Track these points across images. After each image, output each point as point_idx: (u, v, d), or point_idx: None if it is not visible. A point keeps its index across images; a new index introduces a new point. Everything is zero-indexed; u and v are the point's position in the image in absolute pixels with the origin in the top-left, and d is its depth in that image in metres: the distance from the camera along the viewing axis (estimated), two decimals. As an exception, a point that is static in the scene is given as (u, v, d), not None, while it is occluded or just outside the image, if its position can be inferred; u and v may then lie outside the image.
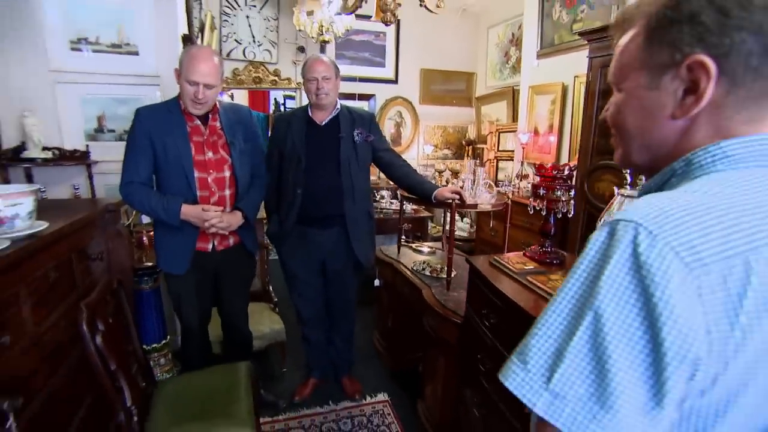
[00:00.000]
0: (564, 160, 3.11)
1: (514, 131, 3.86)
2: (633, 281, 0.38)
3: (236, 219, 1.71)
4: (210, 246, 1.74)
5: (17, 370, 1.07)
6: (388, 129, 4.76)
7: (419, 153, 4.84)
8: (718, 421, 0.39)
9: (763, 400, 0.38)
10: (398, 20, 4.39)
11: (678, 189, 0.45)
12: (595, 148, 2.09)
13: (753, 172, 0.43)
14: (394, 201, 3.67)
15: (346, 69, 4.41)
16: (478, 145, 4.79)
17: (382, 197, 3.79)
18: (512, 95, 4.16)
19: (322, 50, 4.01)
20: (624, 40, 0.52)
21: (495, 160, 4.33)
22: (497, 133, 4.28)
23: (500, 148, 4.28)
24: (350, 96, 4.45)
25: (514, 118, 4.07)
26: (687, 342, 0.36)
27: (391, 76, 4.66)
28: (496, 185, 3.81)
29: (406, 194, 2.05)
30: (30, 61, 2.12)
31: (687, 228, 0.38)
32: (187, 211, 1.61)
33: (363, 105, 4.56)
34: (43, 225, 1.21)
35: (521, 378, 0.42)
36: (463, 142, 4.97)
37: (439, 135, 4.99)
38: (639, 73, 0.50)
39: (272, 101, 6.35)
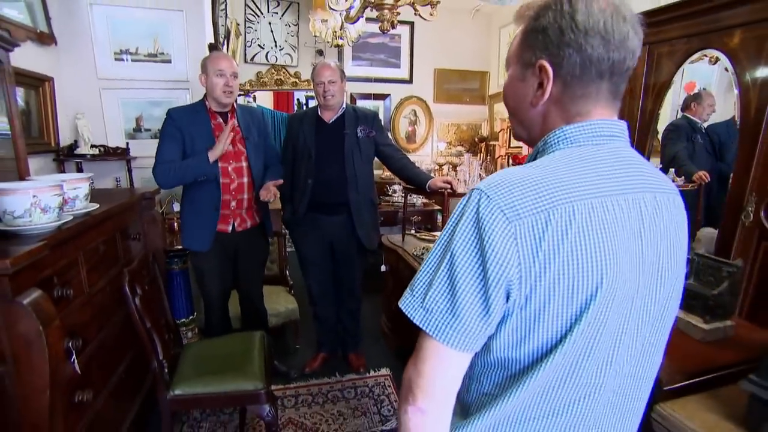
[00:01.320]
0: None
1: (523, 128, 3.98)
2: (474, 231, 0.53)
3: (273, 187, 1.97)
4: (230, 227, 2.01)
5: (76, 320, 1.34)
6: (403, 127, 4.95)
7: (433, 150, 5.01)
8: (535, 325, 0.55)
9: (561, 309, 0.54)
10: (412, 23, 4.60)
11: (529, 164, 0.61)
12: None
13: (581, 149, 0.59)
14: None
15: (362, 70, 4.63)
16: (491, 142, 4.91)
17: (395, 191, 3.99)
18: (522, 93, 4.27)
19: (339, 54, 4.24)
20: (515, 34, 0.67)
21: (506, 156, 4.46)
22: (508, 129, 4.40)
23: (511, 145, 4.40)
24: (366, 96, 4.67)
25: (524, 115, 4.18)
26: (502, 270, 0.52)
27: (406, 76, 4.84)
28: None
29: (405, 185, 2.25)
30: (82, 71, 2.46)
31: (512, 193, 0.53)
32: (214, 151, 1.85)
33: (378, 104, 4.77)
34: (95, 206, 1.49)
35: (409, 300, 0.58)
36: (476, 139, 5.10)
37: (452, 132, 5.13)
38: (516, 65, 0.64)
39: (295, 102, 6.66)
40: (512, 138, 4.37)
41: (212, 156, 1.85)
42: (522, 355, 0.57)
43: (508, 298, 0.54)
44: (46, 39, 2.21)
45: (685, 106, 2.37)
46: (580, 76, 0.58)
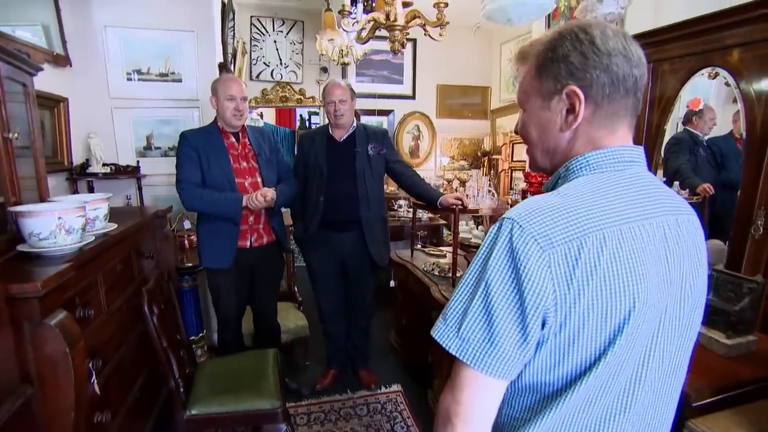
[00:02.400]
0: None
1: (526, 142, 4.03)
2: (508, 260, 0.55)
3: (270, 192, 1.92)
4: (248, 243, 2.03)
5: (96, 340, 1.34)
6: (406, 142, 5.00)
7: (436, 164, 5.05)
8: (570, 349, 0.56)
9: (595, 333, 0.56)
10: (414, 39, 4.69)
11: (554, 191, 0.63)
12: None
13: (604, 175, 0.62)
14: (411, 210, 3.88)
15: (366, 87, 4.70)
16: (494, 156, 4.96)
17: (400, 206, 4.01)
18: (524, 108, 4.33)
19: (343, 71, 4.31)
20: (523, 71, 0.69)
21: (509, 170, 4.50)
22: (511, 144, 4.45)
23: (514, 159, 4.45)
24: (370, 112, 4.73)
25: (527, 129, 4.23)
26: (539, 298, 0.53)
27: (409, 92, 4.91)
28: (508, 193, 3.98)
29: (415, 201, 2.28)
30: (95, 91, 2.50)
31: (543, 222, 0.54)
32: (249, 199, 1.90)
33: (382, 120, 4.83)
34: (113, 226, 1.50)
35: (442, 330, 0.59)
36: (479, 154, 5.15)
37: (455, 147, 5.19)
38: (535, 98, 0.66)
39: (298, 117, 6.74)
40: (514, 152, 4.41)
41: (245, 201, 1.90)
42: (554, 379, 0.58)
43: (544, 325, 0.55)
44: (61, 61, 2.26)
45: (687, 120, 2.40)
46: (609, 94, 0.61)
